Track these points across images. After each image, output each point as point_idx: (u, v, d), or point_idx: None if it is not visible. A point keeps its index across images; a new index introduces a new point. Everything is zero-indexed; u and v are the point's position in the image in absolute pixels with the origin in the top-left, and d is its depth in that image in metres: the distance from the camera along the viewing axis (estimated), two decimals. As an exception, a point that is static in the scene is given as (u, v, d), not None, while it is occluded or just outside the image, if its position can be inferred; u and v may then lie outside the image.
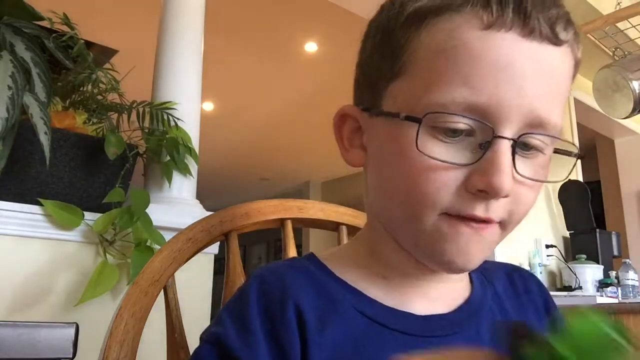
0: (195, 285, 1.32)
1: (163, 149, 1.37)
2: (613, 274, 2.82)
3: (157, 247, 1.22)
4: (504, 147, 0.40)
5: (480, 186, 0.40)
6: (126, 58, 2.79)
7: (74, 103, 1.30)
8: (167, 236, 1.23)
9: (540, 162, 0.44)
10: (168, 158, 1.38)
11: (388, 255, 0.48)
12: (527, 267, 2.77)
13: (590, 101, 3.23)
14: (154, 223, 1.24)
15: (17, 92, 1.06)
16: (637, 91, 2.58)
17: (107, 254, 1.22)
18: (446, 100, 0.40)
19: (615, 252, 3.09)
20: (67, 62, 1.24)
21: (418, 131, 0.40)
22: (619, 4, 2.72)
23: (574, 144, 0.45)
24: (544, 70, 0.41)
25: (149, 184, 1.44)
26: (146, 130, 1.36)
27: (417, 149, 0.41)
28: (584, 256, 2.88)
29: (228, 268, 0.71)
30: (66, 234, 1.21)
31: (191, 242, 0.68)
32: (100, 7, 3.12)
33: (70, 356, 0.82)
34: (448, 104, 0.40)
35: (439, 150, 0.41)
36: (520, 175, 0.41)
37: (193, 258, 0.69)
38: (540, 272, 2.83)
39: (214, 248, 1.34)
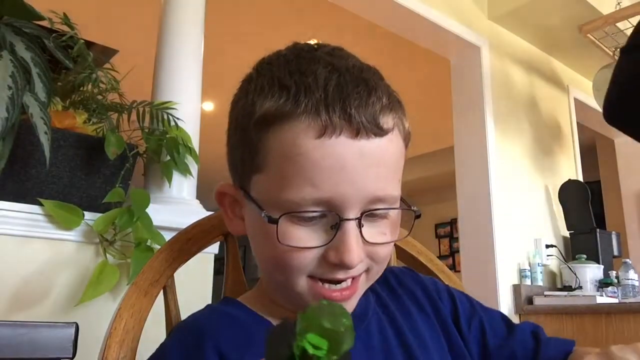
0: (195, 285, 1.32)
1: (163, 149, 1.37)
2: (613, 274, 2.82)
3: (157, 247, 1.22)
4: (351, 227, 0.49)
5: (334, 261, 0.49)
6: (126, 58, 2.79)
7: (74, 103, 1.30)
8: (167, 236, 1.23)
9: (387, 224, 0.52)
10: (168, 158, 1.38)
11: (283, 303, 0.56)
12: (527, 267, 2.78)
13: (590, 101, 3.23)
14: (154, 223, 1.24)
15: (17, 92, 1.06)
16: (637, 91, 2.58)
17: (107, 254, 1.22)
18: (298, 198, 0.48)
19: (615, 252, 3.08)
20: (67, 62, 1.24)
21: (277, 229, 0.48)
22: (619, 4, 2.72)
23: (411, 208, 0.53)
24: (373, 161, 0.49)
25: (149, 184, 1.44)
26: (146, 130, 1.36)
27: (279, 242, 0.48)
28: (584, 256, 2.88)
29: (228, 268, 0.71)
30: (66, 234, 1.21)
31: (191, 242, 0.68)
32: (100, 7, 3.12)
33: (70, 356, 0.82)
34: (299, 200, 0.48)
35: (298, 235, 0.49)
36: (369, 242, 0.50)
37: (193, 258, 0.69)
38: (541, 272, 2.83)
39: (214, 248, 1.34)
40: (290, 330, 0.30)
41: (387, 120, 0.50)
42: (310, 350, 0.29)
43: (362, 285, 0.53)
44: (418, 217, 0.53)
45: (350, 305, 0.54)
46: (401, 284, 0.65)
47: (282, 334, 0.31)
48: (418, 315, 0.62)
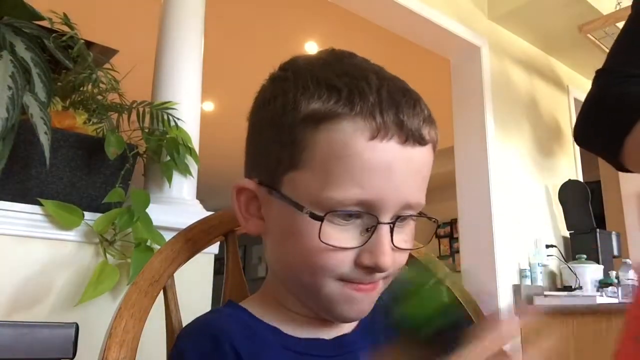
0: (195, 285, 1.32)
1: (163, 149, 1.37)
2: (613, 274, 2.82)
3: (157, 247, 1.22)
4: (385, 231, 0.50)
5: (368, 264, 0.50)
6: (126, 58, 2.79)
7: (74, 103, 1.30)
8: (167, 236, 1.23)
9: (409, 231, 0.55)
10: (168, 158, 1.38)
11: (291, 305, 0.57)
12: (527, 267, 2.77)
13: (590, 101, 3.23)
14: (154, 223, 1.24)
15: (17, 92, 1.06)
16: (637, 91, 2.58)
17: (107, 254, 1.22)
18: (343, 198, 0.49)
19: (615, 252, 3.08)
20: (67, 62, 1.24)
21: (321, 227, 0.49)
22: (619, 4, 2.72)
23: (433, 218, 0.56)
24: (414, 168, 0.52)
25: (149, 184, 1.44)
26: (146, 130, 1.36)
27: (320, 239, 0.49)
28: (584, 256, 2.88)
29: (228, 268, 0.71)
30: (66, 234, 1.21)
31: (191, 242, 0.68)
32: (100, 7, 3.12)
33: (70, 356, 0.82)
34: (343, 199, 0.49)
35: (335, 235, 0.50)
36: (396, 247, 0.52)
37: (193, 258, 0.69)
38: (541, 272, 2.83)
39: (214, 248, 1.34)
40: None
41: (427, 132, 0.52)
42: None
43: (381, 287, 0.55)
44: (438, 226, 0.56)
45: (369, 306, 0.55)
46: None
47: None
48: None
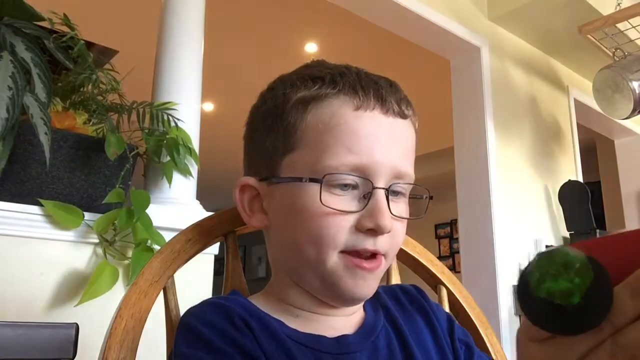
0: (195, 285, 1.32)
1: (163, 149, 1.37)
2: (613, 274, 2.82)
3: (157, 247, 1.22)
4: (381, 195, 0.54)
5: (369, 226, 0.53)
6: (126, 58, 2.79)
7: (74, 103, 1.30)
8: (167, 236, 1.23)
9: (403, 206, 0.58)
10: (168, 158, 1.38)
11: (295, 300, 0.58)
12: (527, 268, 2.77)
13: (590, 101, 3.23)
14: (154, 223, 1.24)
15: (17, 93, 1.06)
16: (637, 92, 2.58)
17: (107, 254, 1.22)
18: (337, 164, 0.53)
19: (615, 253, 3.08)
20: (68, 62, 1.24)
21: (321, 188, 0.52)
22: (619, 4, 2.72)
23: (426, 189, 0.60)
24: (398, 137, 0.57)
25: (149, 185, 1.44)
26: (146, 131, 1.36)
27: (321, 202, 0.52)
28: (584, 256, 2.88)
29: (228, 268, 0.71)
30: (66, 235, 1.21)
31: (191, 242, 0.68)
32: (100, 7, 3.12)
33: (70, 356, 0.83)
34: (339, 166, 0.53)
35: (334, 202, 0.53)
36: (394, 215, 0.55)
37: (193, 258, 0.69)
38: (540, 273, 2.82)
39: (214, 248, 1.34)
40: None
41: (406, 108, 0.58)
42: (563, 302, 0.29)
43: (383, 266, 0.57)
44: (431, 198, 0.60)
45: (374, 284, 0.56)
46: (412, 300, 0.67)
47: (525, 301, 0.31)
48: (426, 329, 0.63)
